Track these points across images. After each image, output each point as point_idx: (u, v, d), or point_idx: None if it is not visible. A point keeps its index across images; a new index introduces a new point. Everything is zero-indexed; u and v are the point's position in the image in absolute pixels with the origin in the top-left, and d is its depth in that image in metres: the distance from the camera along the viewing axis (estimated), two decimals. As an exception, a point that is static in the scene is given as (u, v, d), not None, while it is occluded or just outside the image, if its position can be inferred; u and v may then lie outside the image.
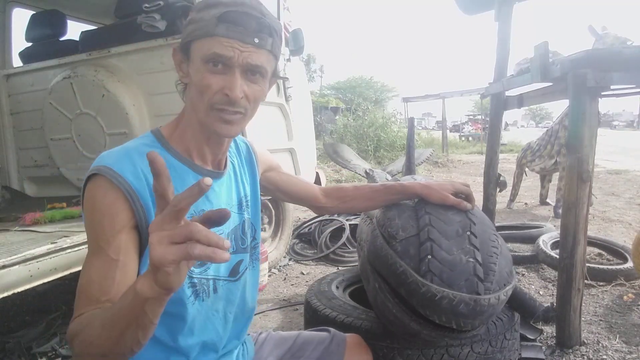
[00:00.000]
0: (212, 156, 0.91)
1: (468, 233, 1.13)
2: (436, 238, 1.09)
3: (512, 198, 5.10)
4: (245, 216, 1.00)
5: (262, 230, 3.22)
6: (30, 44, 2.94)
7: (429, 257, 1.06)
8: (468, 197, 1.22)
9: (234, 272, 0.94)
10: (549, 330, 1.84)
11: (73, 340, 0.67)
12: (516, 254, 2.96)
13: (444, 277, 1.03)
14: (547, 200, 5.06)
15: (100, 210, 0.76)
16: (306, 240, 3.72)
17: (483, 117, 18.82)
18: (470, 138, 19.42)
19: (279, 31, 0.84)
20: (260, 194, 1.08)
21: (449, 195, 1.18)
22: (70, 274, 1.59)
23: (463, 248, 1.09)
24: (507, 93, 2.49)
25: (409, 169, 3.03)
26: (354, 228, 3.44)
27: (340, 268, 2.97)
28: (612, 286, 2.39)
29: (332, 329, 1.15)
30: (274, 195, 1.20)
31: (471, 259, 1.07)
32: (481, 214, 1.25)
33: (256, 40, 0.79)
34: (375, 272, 1.18)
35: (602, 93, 1.67)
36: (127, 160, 0.79)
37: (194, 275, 0.85)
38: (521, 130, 42.74)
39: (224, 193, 0.93)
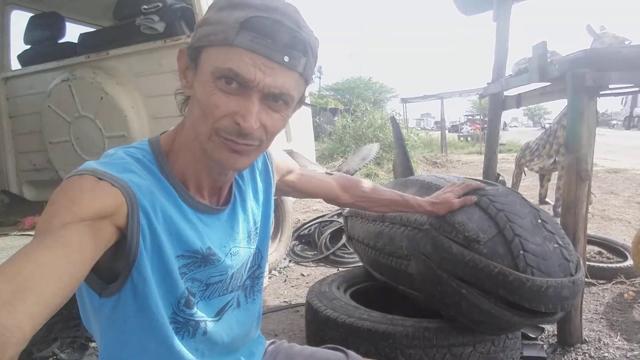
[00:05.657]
0: (211, 187, 0.75)
1: (539, 221, 1.17)
2: (521, 233, 1.10)
3: (512, 198, 5.08)
4: (252, 249, 0.85)
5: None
6: (28, 47, 2.93)
7: (522, 252, 1.07)
8: (471, 188, 1.22)
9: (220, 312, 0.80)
10: (550, 328, 1.84)
11: None
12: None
13: (542, 268, 1.06)
14: (547, 199, 5.06)
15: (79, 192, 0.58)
16: (306, 242, 3.71)
17: (482, 117, 18.84)
18: (469, 138, 19.42)
19: (316, 49, 0.66)
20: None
21: (453, 202, 1.18)
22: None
23: (544, 236, 1.13)
24: (506, 93, 2.49)
25: (407, 168, 3.01)
26: (353, 229, 3.43)
27: (340, 269, 2.97)
28: (613, 284, 2.39)
29: (347, 350, 0.95)
30: (291, 195, 1.10)
31: (555, 245, 1.12)
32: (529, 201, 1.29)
33: (286, 59, 0.62)
34: (456, 280, 1.15)
35: (601, 92, 1.68)
36: (130, 173, 0.65)
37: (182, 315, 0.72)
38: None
39: (217, 233, 0.76)
